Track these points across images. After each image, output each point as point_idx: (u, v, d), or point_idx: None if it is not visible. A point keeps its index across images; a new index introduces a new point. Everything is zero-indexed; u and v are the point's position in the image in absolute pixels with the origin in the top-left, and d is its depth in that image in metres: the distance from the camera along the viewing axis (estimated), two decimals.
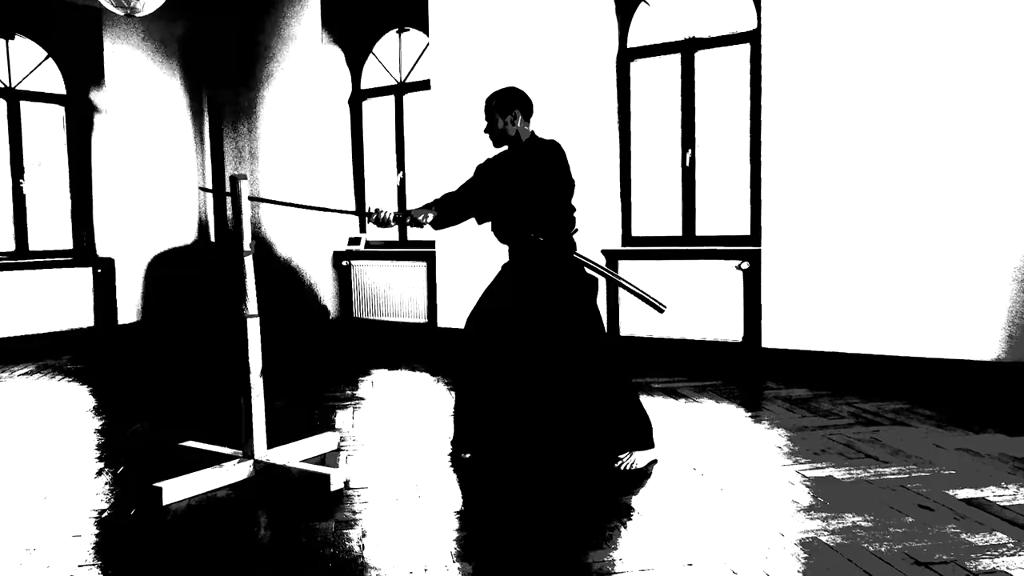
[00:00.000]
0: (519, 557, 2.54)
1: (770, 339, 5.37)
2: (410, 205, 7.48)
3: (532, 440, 3.50)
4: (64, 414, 4.67)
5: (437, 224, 3.55)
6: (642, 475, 3.34)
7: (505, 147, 3.59)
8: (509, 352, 3.50)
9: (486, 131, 3.55)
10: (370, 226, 7.78)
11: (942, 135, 4.77)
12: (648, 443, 3.47)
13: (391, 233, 7.62)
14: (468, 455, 3.58)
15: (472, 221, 3.57)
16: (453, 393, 3.65)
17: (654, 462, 3.47)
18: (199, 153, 8.24)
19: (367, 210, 3.51)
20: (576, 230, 3.55)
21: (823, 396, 4.65)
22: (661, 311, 3.57)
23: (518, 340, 3.48)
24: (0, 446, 4.01)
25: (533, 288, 3.48)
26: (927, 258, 4.84)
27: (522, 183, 3.42)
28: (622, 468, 3.39)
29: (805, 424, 4.06)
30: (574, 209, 3.56)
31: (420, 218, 3.48)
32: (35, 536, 2.79)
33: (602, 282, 3.67)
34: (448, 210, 3.53)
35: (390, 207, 3.52)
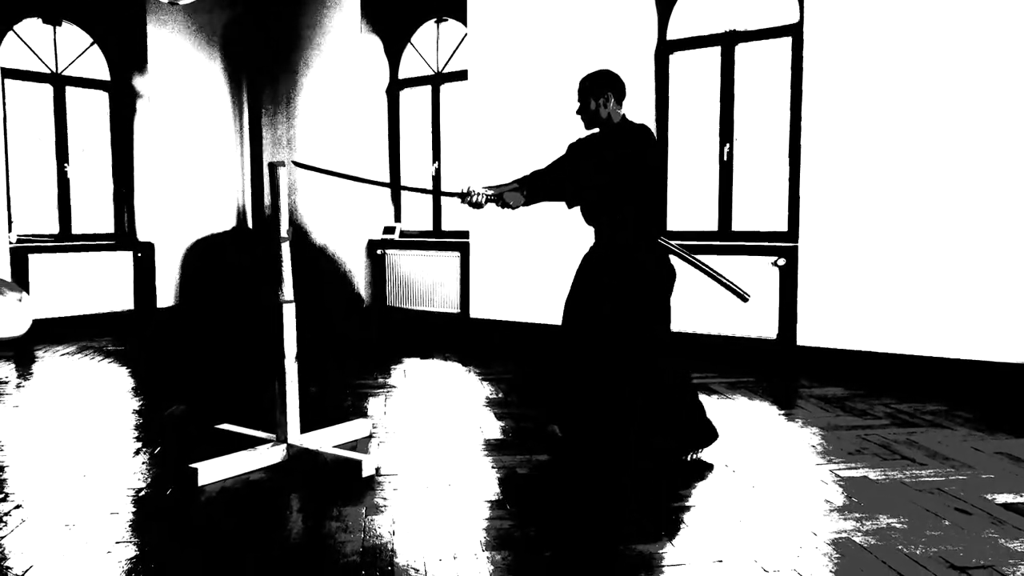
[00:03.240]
0: (549, 548, 2.54)
1: (805, 337, 5.30)
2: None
3: (593, 428, 3.49)
4: (104, 394, 4.77)
5: (526, 203, 3.48)
6: (674, 471, 3.32)
7: (596, 129, 3.55)
8: (589, 337, 3.47)
9: (578, 112, 3.50)
10: (401, 218, 7.82)
11: (987, 134, 4.66)
12: (710, 439, 3.49)
13: (425, 222, 7.65)
14: (556, 428, 3.61)
15: (543, 204, 3.55)
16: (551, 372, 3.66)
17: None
18: (238, 140, 8.34)
19: (461, 191, 3.44)
20: (662, 217, 3.50)
21: (859, 396, 4.58)
22: (745, 300, 3.54)
23: (595, 324, 3.45)
24: (43, 424, 4.11)
25: (613, 271, 3.43)
26: (968, 258, 4.74)
27: (614, 165, 3.36)
28: (688, 459, 3.43)
29: (840, 423, 4.01)
30: (663, 193, 3.50)
31: (511, 202, 3.40)
32: (74, 513, 2.86)
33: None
34: (537, 189, 3.45)
35: (478, 185, 3.43)
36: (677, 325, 5.79)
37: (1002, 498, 2.94)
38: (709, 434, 3.49)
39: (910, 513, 2.80)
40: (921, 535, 2.60)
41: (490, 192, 3.43)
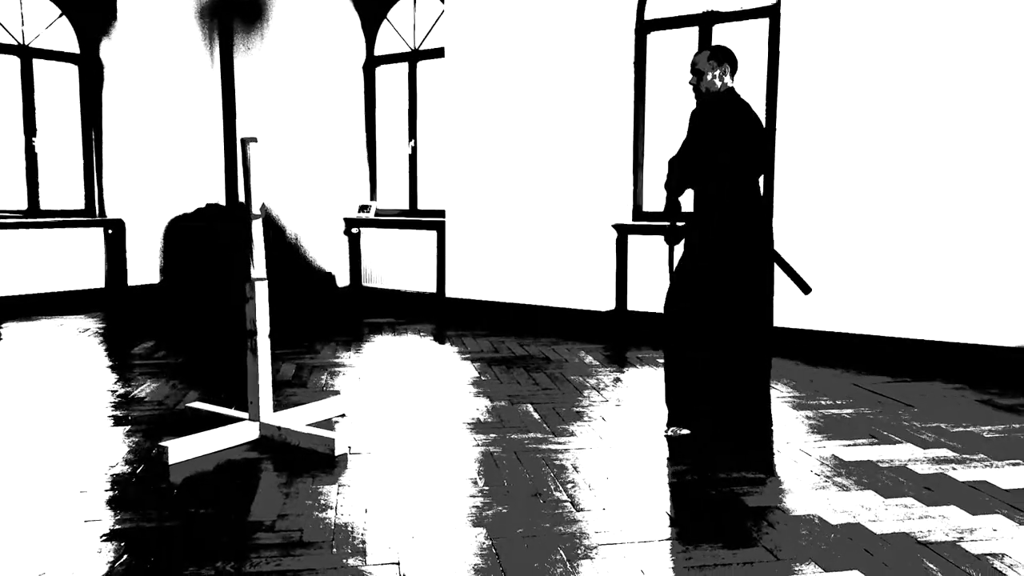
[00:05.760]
0: (522, 527, 2.56)
1: (780, 318, 5.34)
2: (421, 172, 7.46)
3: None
4: (74, 372, 4.71)
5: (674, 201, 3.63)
6: (651, 447, 3.35)
7: (703, 105, 3.55)
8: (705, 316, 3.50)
9: (691, 83, 3.57)
10: (377, 200, 7.77)
11: (966, 117, 4.70)
12: (688, 420, 3.52)
13: (401, 201, 7.61)
14: (687, 431, 3.57)
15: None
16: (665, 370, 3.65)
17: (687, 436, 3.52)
18: (211, 115, 8.21)
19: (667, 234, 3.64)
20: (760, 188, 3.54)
21: (829, 374, 4.64)
22: (807, 292, 3.56)
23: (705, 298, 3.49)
24: (12, 403, 4.05)
25: (715, 240, 3.46)
26: (948, 241, 4.80)
27: (724, 136, 3.42)
28: (668, 434, 3.49)
29: (812, 403, 4.05)
30: (768, 164, 3.53)
31: (677, 213, 3.59)
32: (44, 491, 2.83)
33: None
34: (675, 192, 3.59)
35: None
36: (644, 304, 5.83)
37: (966, 476, 3.00)
38: (689, 416, 3.51)
39: (878, 490, 2.84)
40: (889, 511, 2.65)
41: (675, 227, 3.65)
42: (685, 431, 3.52)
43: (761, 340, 3.51)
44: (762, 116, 5.54)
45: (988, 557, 2.33)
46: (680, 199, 3.60)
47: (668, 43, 6.04)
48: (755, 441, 3.44)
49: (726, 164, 3.41)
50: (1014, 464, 3.13)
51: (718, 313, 3.46)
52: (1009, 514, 2.64)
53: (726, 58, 3.55)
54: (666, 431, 3.54)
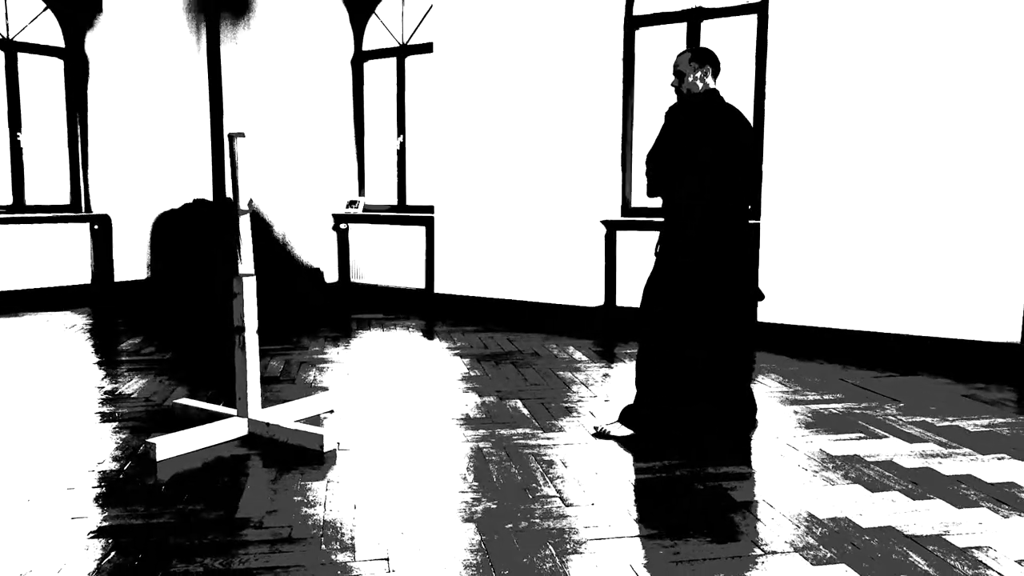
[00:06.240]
0: (511, 522, 2.56)
1: (769, 314, 5.37)
2: (410, 167, 7.44)
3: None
4: (61, 369, 4.68)
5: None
6: (639, 441, 3.36)
7: (683, 104, 3.53)
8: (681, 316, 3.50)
9: (672, 84, 3.57)
10: (366, 195, 7.75)
11: (947, 117, 4.73)
12: (636, 427, 3.47)
13: (390, 196, 7.59)
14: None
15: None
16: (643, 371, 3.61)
17: (628, 438, 3.45)
18: (198, 110, 8.17)
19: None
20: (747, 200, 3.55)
21: (816, 369, 4.66)
22: (761, 299, 3.62)
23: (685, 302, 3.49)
24: None
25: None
26: (942, 238, 4.83)
27: (705, 134, 3.42)
28: (597, 429, 3.48)
29: (797, 398, 4.08)
30: (753, 173, 3.57)
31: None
32: (31, 487, 2.81)
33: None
34: (664, 191, 3.56)
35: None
36: (633, 299, 5.84)
37: (950, 470, 3.02)
38: (633, 420, 3.47)
39: (864, 484, 2.86)
40: (876, 505, 2.67)
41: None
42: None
43: (743, 340, 3.51)
44: (750, 111, 5.56)
45: (973, 550, 2.35)
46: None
47: (656, 39, 6.05)
48: (742, 436, 3.46)
49: (706, 161, 3.39)
50: (998, 458, 3.16)
51: (696, 318, 3.45)
52: (994, 507, 2.66)
53: (708, 59, 3.53)
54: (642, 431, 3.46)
